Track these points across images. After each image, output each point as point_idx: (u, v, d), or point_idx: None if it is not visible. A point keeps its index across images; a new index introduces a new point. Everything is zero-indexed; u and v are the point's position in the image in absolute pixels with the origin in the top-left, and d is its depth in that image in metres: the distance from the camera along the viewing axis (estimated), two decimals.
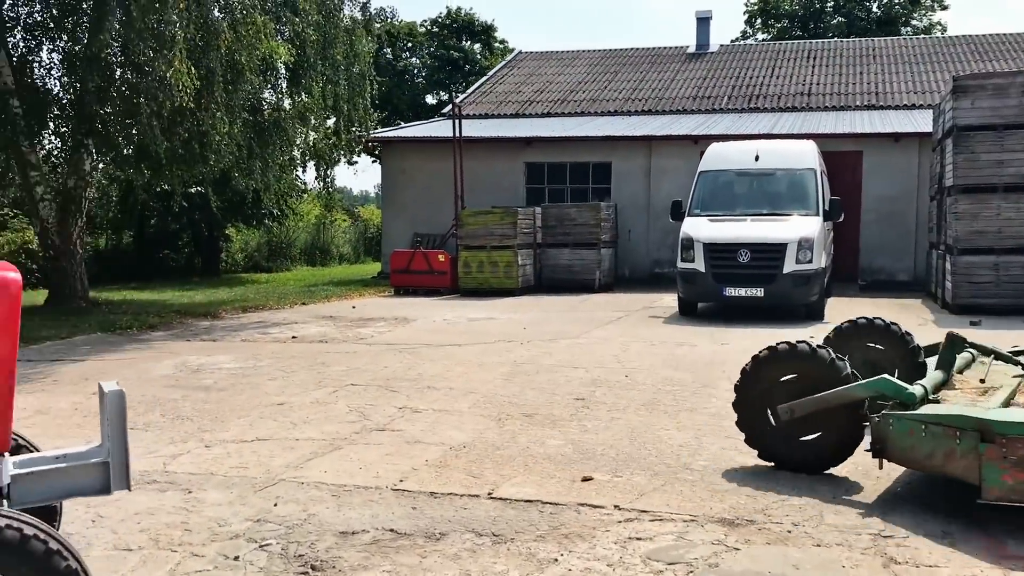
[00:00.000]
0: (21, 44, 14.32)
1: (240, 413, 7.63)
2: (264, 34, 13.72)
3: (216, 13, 13.46)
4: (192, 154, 13.71)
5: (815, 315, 13.85)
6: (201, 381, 9.19)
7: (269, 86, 15.49)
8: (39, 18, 14.44)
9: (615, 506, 5.06)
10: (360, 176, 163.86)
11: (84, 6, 13.21)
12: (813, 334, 12.07)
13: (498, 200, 21.92)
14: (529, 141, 23.62)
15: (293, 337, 12.61)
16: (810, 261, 13.62)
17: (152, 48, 11.82)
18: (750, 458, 5.90)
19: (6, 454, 3.30)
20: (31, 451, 3.98)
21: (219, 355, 10.93)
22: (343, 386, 8.78)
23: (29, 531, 2.73)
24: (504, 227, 19.15)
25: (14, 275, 3.24)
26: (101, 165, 16.01)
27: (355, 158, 39.49)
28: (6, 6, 14.37)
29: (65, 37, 13.88)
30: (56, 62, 14.10)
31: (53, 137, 14.99)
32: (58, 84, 14.02)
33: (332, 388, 8.69)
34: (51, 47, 14.33)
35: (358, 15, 17.24)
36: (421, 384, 8.82)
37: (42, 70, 14.42)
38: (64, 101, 13.98)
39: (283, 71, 15.74)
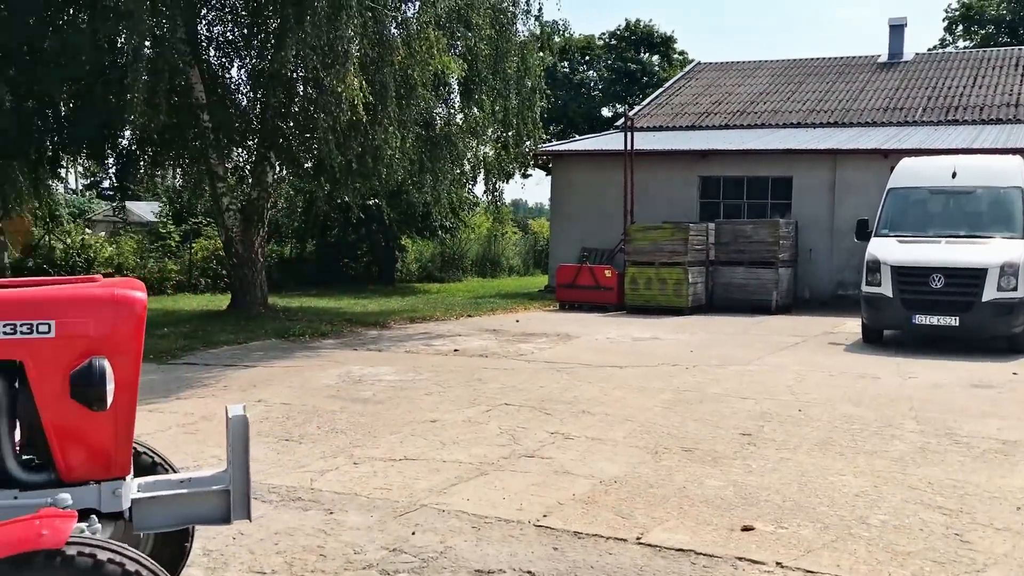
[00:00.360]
0: (213, 61, 15.13)
1: (392, 429, 7.56)
2: (437, 49, 13.86)
3: (392, 29, 13.70)
4: (365, 168, 14.02)
5: (1018, 348, 12.49)
6: (360, 393, 9.24)
7: (441, 101, 15.67)
8: (231, 36, 15.22)
9: (777, 563, 4.54)
10: (535, 188, 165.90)
11: (269, 24, 13.78)
12: (1016, 370, 10.88)
13: (669, 215, 21.31)
14: (704, 154, 22.85)
15: (455, 350, 12.58)
16: (1015, 288, 12.29)
17: (326, 63, 12.15)
18: (938, 513, 5.21)
19: (128, 477, 3.22)
20: (164, 468, 3.93)
21: (381, 366, 11.01)
22: (497, 405, 8.58)
23: (131, 567, 2.59)
24: (675, 243, 18.54)
25: (140, 294, 3.16)
26: (285, 177, 16.66)
27: (528, 171, 39.89)
28: (202, 25, 15.23)
29: (252, 54, 14.56)
30: (244, 78, 14.81)
31: (240, 151, 15.75)
32: (245, 100, 14.70)
33: (486, 407, 8.51)
34: (240, 64, 15.09)
35: (533, 29, 17.18)
36: (576, 408, 8.49)
37: (231, 86, 15.17)
38: (250, 116, 14.63)
39: (455, 85, 15.90)
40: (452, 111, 16.33)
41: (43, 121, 15.53)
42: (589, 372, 10.68)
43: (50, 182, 20.30)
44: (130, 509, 3.25)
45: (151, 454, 3.97)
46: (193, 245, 22.85)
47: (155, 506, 3.33)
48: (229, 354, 12.16)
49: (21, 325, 2.97)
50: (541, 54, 26.73)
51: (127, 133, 15.12)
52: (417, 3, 14.33)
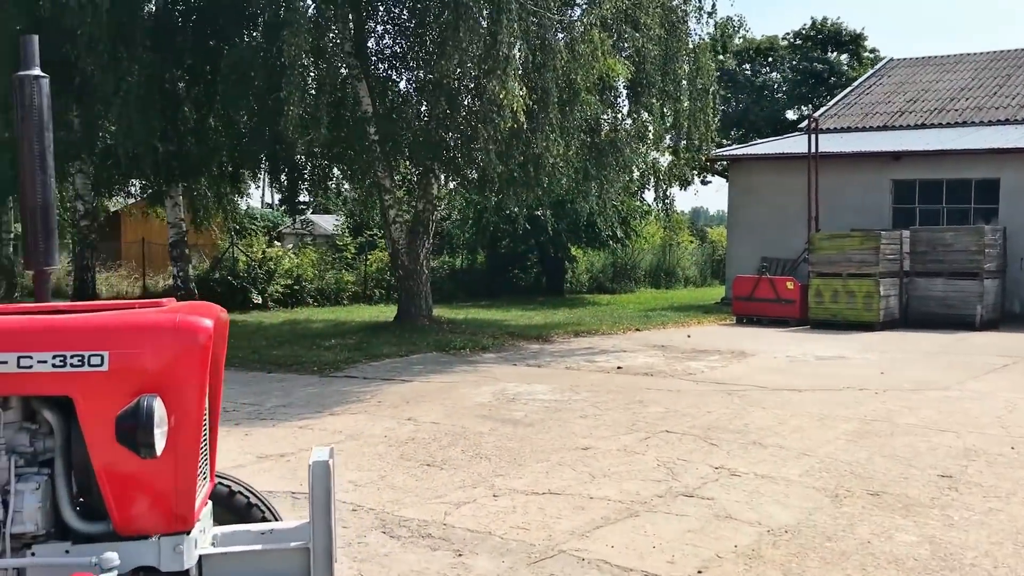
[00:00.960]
0: (380, 74, 15.22)
1: (540, 456, 7.02)
2: (602, 51, 13.28)
3: (555, 33, 13.24)
4: (528, 177, 13.63)
5: None
6: (512, 413, 8.76)
7: (606, 105, 15.05)
8: (398, 49, 15.28)
9: None
10: (715, 196, 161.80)
11: (432, 33, 13.67)
12: None
13: (858, 222, 19.72)
14: (898, 156, 21.04)
15: (618, 368, 11.92)
16: None
17: (486, 70, 11.83)
18: None
19: (196, 529, 2.82)
20: (261, 511, 3.53)
21: (538, 384, 10.51)
22: (657, 432, 7.86)
23: None
24: (864, 252, 17.07)
25: (206, 322, 2.75)
26: (454, 189, 16.56)
27: (707, 178, 38.50)
28: (372, 39, 15.38)
29: (417, 65, 14.51)
30: (409, 90, 14.76)
31: (406, 163, 15.76)
32: (410, 112, 14.66)
33: (644, 434, 7.81)
34: (406, 76, 15.11)
35: (708, 28, 16.30)
36: (746, 438, 7.64)
37: (397, 99, 15.19)
38: (415, 128, 14.57)
39: (621, 89, 15.26)
40: (619, 116, 15.70)
41: (224, 138, 16.15)
42: (763, 396, 9.74)
43: (236, 197, 21.30)
44: (199, 565, 2.86)
45: (247, 494, 3.58)
46: (368, 256, 23.32)
47: (226, 564, 2.92)
48: (389, 367, 12.03)
49: (72, 357, 2.62)
50: (720, 57, 25.69)
51: (303, 147, 15.45)
52: (582, 5, 13.81)
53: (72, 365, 2.62)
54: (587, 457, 6.99)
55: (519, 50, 12.06)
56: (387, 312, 18.21)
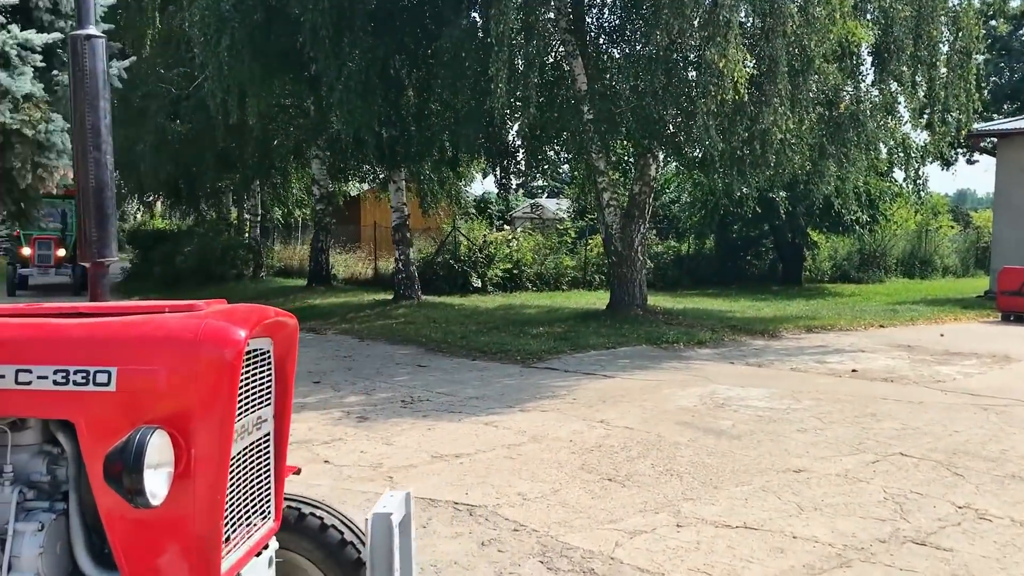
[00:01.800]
0: (596, 50, 14.49)
1: (741, 478, 6.06)
2: (840, 14, 11.78)
3: None
4: (754, 155, 12.40)
5: None
6: (718, 422, 7.80)
7: (846, 74, 13.42)
8: (616, 22, 14.48)
9: None
10: (983, 176, 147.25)
11: (647, 2, 12.74)
12: None
13: None
14: None
15: (852, 371, 10.54)
16: None
17: (706, 36, 10.77)
18: None
19: None
20: (357, 548, 2.92)
21: (754, 387, 9.42)
22: (888, 455, 6.64)
23: None
24: None
25: (239, 332, 2.18)
26: (678, 170, 15.55)
27: (974, 156, 34.52)
28: (590, 15, 14.68)
29: (635, 37, 13.63)
30: (624, 65, 13.89)
31: (623, 142, 14.96)
32: (627, 88, 13.81)
33: (873, 456, 6.61)
34: (621, 50, 14.26)
35: None
36: (1003, 469, 6.26)
37: (611, 76, 14.39)
38: (632, 104, 13.72)
39: (864, 56, 13.56)
40: (861, 86, 13.97)
41: (444, 121, 16.09)
42: None
43: (458, 181, 21.40)
44: None
45: (343, 526, 2.99)
46: (589, 241, 22.74)
47: None
48: (593, 360, 11.35)
49: (75, 372, 2.13)
50: (993, 22, 22.82)
51: (515, 128, 15.09)
52: None
53: (75, 383, 2.13)
54: (798, 482, 5.95)
55: (744, 15, 10.88)
56: (602, 300, 17.50)
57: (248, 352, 2.41)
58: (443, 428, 7.62)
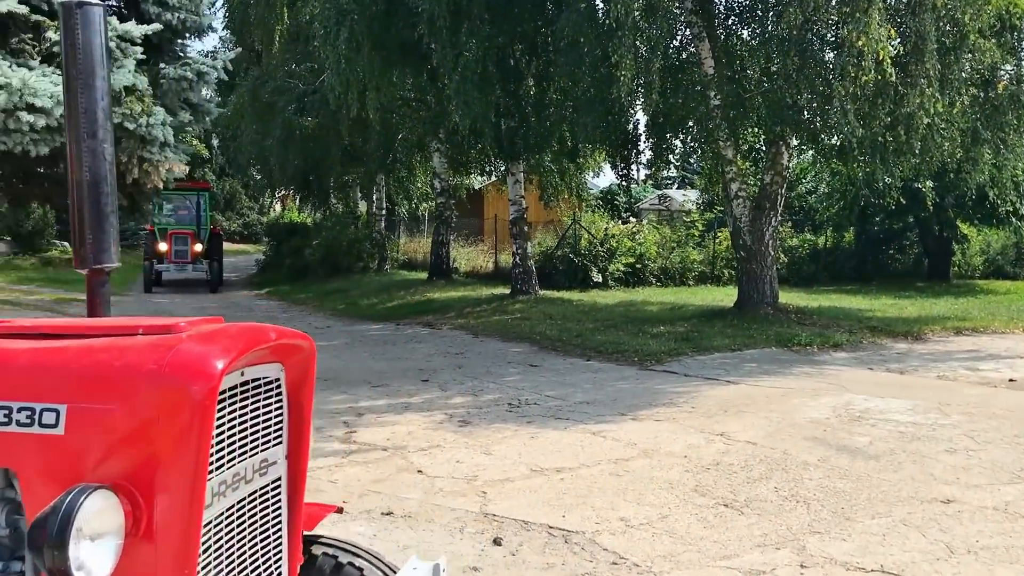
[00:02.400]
0: (724, 32, 13.65)
1: (878, 508, 5.32)
2: None
3: None
4: (898, 142, 11.34)
5: None
6: (853, 438, 7.01)
7: (1006, 51, 12.10)
8: (746, 1, 13.59)
9: None
10: None
11: None
12: None
13: None
14: None
15: (1010, 380, 9.45)
16: None
17: (845, 14, 9.84)
18: None
19: None
20: None
21: (895, 398, 8.52)
22: None
23: None
24: None
25: (215, 364, 1.73)
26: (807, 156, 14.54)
27: None
28: None
29: (762, 16, 12.72)
30: (752, 47, 13.00)
31: (754, 130, 14.07)
32: (757, 71, 12.94)
33: None
34: (751, 31, 13.35)
35: None
36: None
37: (743, 57, 13.52)
38: (763, 89, 12.85)
39: None
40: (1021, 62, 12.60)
41: (562, 111, 15.59)
42: None
43: (577, 172, 20.85)
44: None
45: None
46: (718, 234, 21.74)
47: None
48: (717, 363, 10.62)
49: (19, 411, 1.74)
50: None
51: (639, 116, 14.43)
52: None
53: (19, 423, 1.74)
54: (947, 516, 5.16)
55: None
56: (730, 297, 16.62)
57: (249, 383, 1.98)
58: (547, 437, 7.14)
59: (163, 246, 21.99)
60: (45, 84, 5.98)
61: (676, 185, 55.55)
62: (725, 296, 17.46)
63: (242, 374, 1.94)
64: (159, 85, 7.83)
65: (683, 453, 6.58)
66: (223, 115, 22.05)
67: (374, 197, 25.04)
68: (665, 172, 49.40)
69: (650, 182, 61.07)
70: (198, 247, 22.62)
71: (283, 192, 31.51)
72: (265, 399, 2.06)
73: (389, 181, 25.06)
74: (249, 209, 47.19)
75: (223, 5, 24.82)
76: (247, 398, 1.96)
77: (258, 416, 2.03)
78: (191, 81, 7.81)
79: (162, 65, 7.94)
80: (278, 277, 25.69)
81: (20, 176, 9.85)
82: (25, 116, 6.03)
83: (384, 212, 25.20)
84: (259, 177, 25.50)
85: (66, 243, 29.30)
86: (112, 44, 6.87)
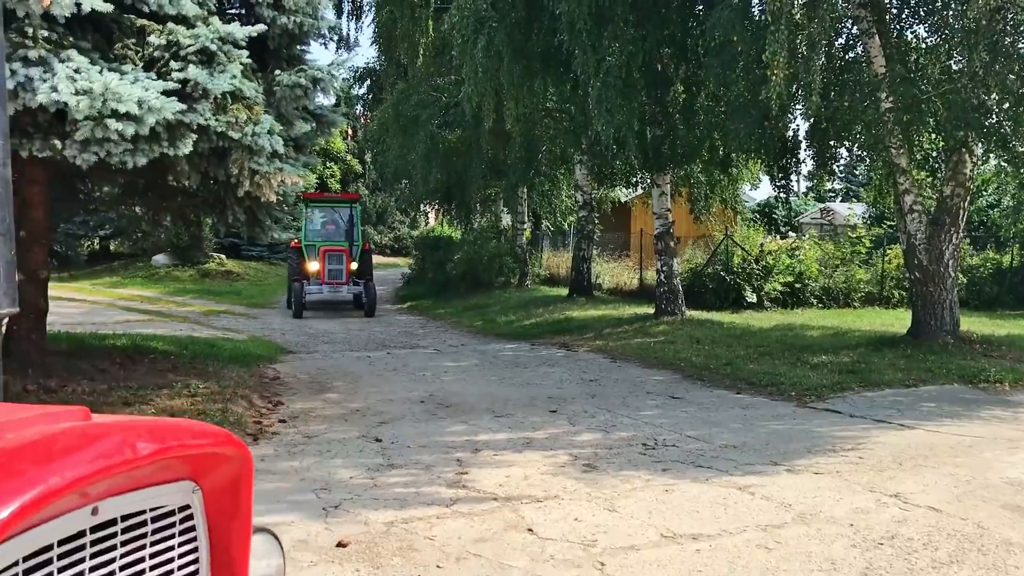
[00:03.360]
0: (894, 27, 12.19)
1: None
2: None
3: None
4: None
5: None
6: None
7: None
8: None
9: None
10: None
11: None
12: None
13: None
14: None
15: None
16: None
17: None
18: None
19: None
20: None
21: None
22: None
23: None
24: None
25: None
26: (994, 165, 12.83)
27: None
28: None
29: (939, 7, 11.22)
30: (930, 43, 11.51)
31: (931, 135, 12.51)
32: (936, 70, 11.43)
33: None
34: (925, 26, 11.86)
35: None
36: None
37: (919, 55, 12.02)
38: (943, 89, 11.33)
39: None
40: None
41: (711, 117, 14.49)
42: None
43: (729, 183, 19.55)
44: None
45: None
46: (887, 251, 19.85)
47: None
48: (888, 402, 9.25)
49: None
50: None
51: (799, 123, 13.11)
52: None
53: None
54: None
55: None
56: (901, 322, 14.96)
57: (119, 522, 1.18)
58: (684, 490, 6.14)
59: (314, 265, 19.81)
60: (133, 89, 5.54)
61: (840, 198, 52.55)
62: (895, 321, 15.77)
63: (94, 511, 1.15)
64: (272, 92, 7.41)
65: (848, 520, 5.44)
66: (371, 130, 22.03)
67: (517, 210, 24.48)
68: (828, 184, 46.80)
69: (811, 195, 58.12)
70: (353, 265, 20.55)
71: (430, 206, 31.48)
72: (159, 540, 1.27)
73: (532, 194, 24.44)
74: (400, 223, 47.83)
75: (372, 21, 25.03)
76: (107, 551, 1.17)
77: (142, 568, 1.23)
78: (306, 88, 7.31)
79: (277, 72, 7.50)
80: (421, 291, 25.54)
81: (130, 189, 9.72)
82: (113, 124, 5.57)
83: (526, 226, 24.59)
84: (404, 192, 25.37)
85: (223, 256, 30.26)
86: (213, 47, 6.45)
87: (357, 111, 34.39)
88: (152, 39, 6.45)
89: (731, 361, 11.72)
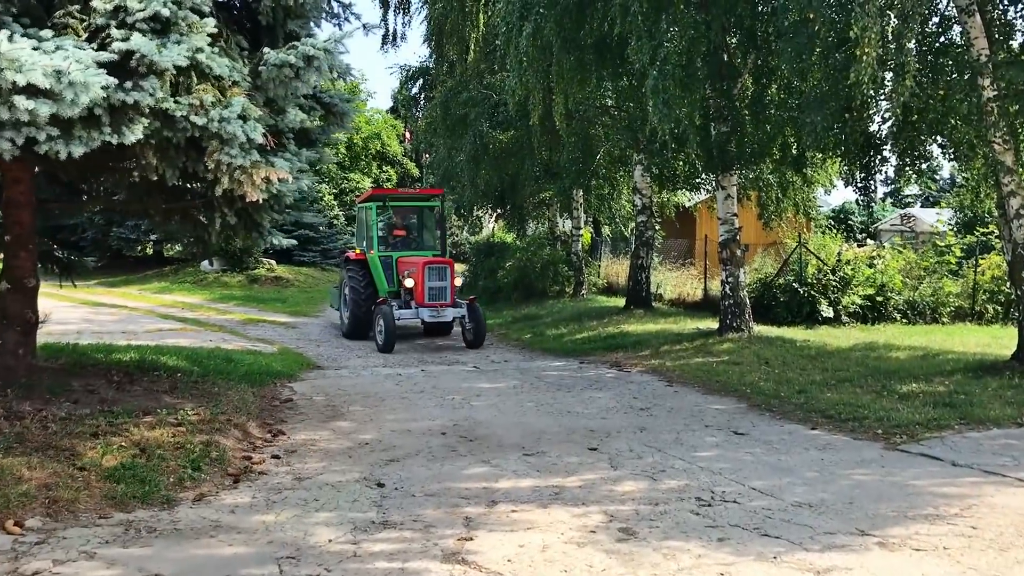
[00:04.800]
0: (1000, 5, 10.55)
1: None
2: None
3: None
4: None
5: None
6: None
7: None
8: None
9: None
10: None
11: None
12: None
13: None
14: None
15: None
16: None
17: None
18: None
19: None
20: None
21: None
22: None
23: None
24: None
25: None
26: None
27: None
28: None
29: None
30: None
31: None
32: None
33: None
34: None
35: None
36: None
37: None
38: None
39: None
40: None
41: (783, 112, 12.97)
42: None
43: (804, 185, 17.96)
44: None
45: None
46: (980, 262, 17.94)
47: None
48: (999, 446, 7.66)
49: None
50: None
51: (884, 115, 11.59)
52: None
53: None
54: None
55: None
56: (1003, 343, 13.20)
57: None
58: (745, 574, 4.74)
59: (409, 282, 15.02)
60: (42, 58, 4.41)
61: (919, 204, 49.86)
62: (992, 341, 13.98)
63: None
64: (258, 73, 6.27)
65: None
66: (419, 130, 20.93)
67: (573, 215, 23.09)
68: (908, 188, 44.30)
69: (888, 200, 55.29)
70: (458, 281, 16.71)
71: (482, 211, 30.29)
72: None
73: (589, 198, 23.04)
74: (459, 228, 46.81)
75: (424, 19, 23.97)
76: None
77: None
78: (298, 69, 6.14)
79: (265, 49, 6.36)
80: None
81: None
82: (23, 102, 4.43)
83: (582, 231, 23.19)
84: (454, 195, 24.23)
85: (272, 261, 29.51)
86: (166, 12, 5.30)
87: (415, 112, 33.46)
88: (97, 3, 5.33)
89: (804, 388, 10.20)
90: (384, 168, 39.34)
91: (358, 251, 16.99)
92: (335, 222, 34.60)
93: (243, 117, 5.64)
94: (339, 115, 8.24)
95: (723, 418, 9.07)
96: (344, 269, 17.22)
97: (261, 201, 6.48)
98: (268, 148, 6.47)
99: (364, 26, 8.82)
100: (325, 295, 26.69)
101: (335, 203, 35.25)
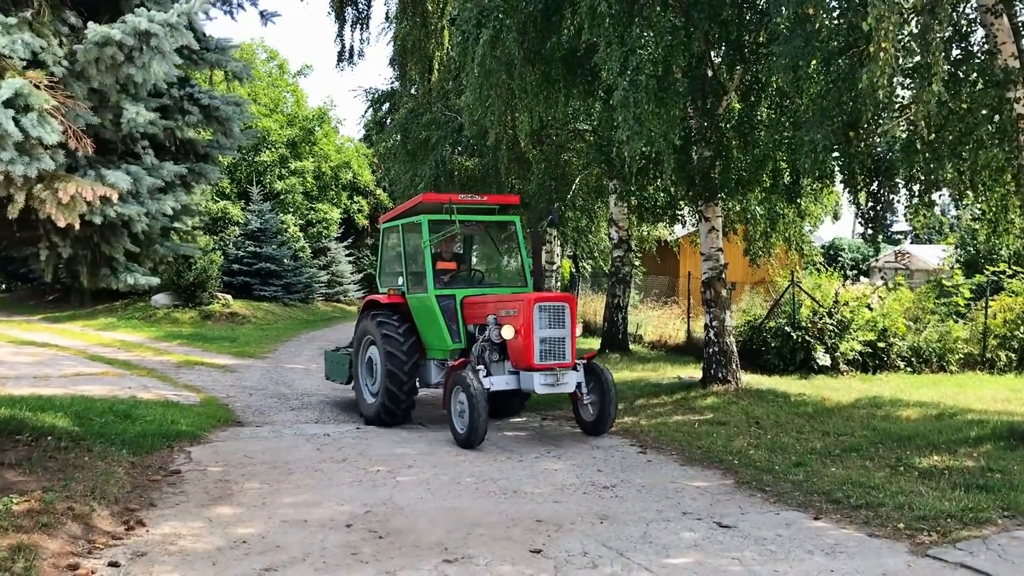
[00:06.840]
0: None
1: None
2: None
3: None
4: None
5: None
6: None
7: None
8: None
9: None
10: None
11: None
12: None
13: None
14: None
15: None
16: None
17: None
18: None
19: None
20: None
21: None
22: None
23: None
24: None
25: None
26: None
27: None
28: None
29: None
30: None
31: None
32: None
33: None
34: None
35: None
36: None
37: None
38: None
39: None
40: None
41: (775, 133, 11.35)
42: None
43: (797, 218, 16.35)
44: None
45: None
46: (990, 304, 16.27)
47: None
48: None
49: None
50: None
51: (900, 131, 9.94)
52: None
53: None
54: None
55: None
56: (1021, 396, 11.51)
57: None
58: None
59: (508, 331, 9.65)
60: None
61: (909, 240, 48.40)
62: (1012, 395, 12.28)
63: None
64: (74, 56, 4.64)
65: None
66: (376, 154, 19.28)
67: (543, 251, 21.38)
68: (898, 224, 42.81)
69: (881, 236, 53.88)
70: (577, 330, 13.22)
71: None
72: None
73: (565, 231, 21.33)
74: None
75: (391, 40, 22.42)
76: None
77: None
78: (130, 49, 4.52)
79: (91, 24, 4.74)
80: None
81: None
82: None
83: (556, 267, 21.46)
84: None
85: (229, 296, 27.66)
86: None
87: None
88: None
89: (803, 459, 8.45)
90: (356, 199, 37.61)
91: (391, 292, 11.28)
92: (301, 254, 32.79)
93: (22, 107, 3.94)
94: (222, 121, 6.50)
95: (704, 501, 7.30)
96: (369, 320, 11.27)
97: (66, 225, 4.71)
98: (88, 156, 4.74)
99: (262, 14, 7.13)
100: (282, 333, 24.84)
101: (300, 235, 33.47)
